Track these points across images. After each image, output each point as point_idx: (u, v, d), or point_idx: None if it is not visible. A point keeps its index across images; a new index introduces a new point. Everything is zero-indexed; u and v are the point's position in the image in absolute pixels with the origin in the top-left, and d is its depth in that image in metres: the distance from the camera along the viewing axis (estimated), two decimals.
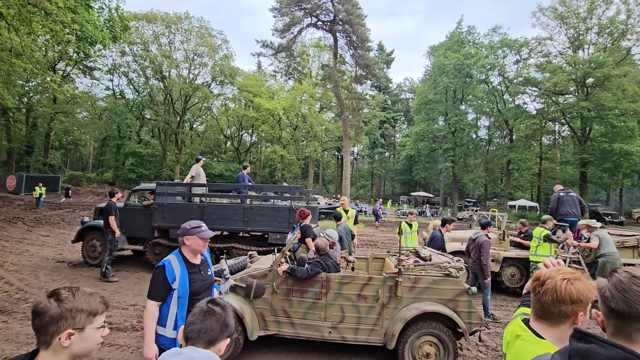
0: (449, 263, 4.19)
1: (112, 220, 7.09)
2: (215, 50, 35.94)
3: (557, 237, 7.15)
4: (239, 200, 8.43)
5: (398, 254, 4.12)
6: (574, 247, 7.30)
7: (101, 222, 7.69)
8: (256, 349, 4.27)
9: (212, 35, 35.96)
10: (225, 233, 8.39)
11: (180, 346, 1.36)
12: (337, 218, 6.94)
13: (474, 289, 4.05)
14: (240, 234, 8.43)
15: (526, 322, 1.34)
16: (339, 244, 6.23)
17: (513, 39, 34.64)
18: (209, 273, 2.57)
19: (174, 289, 2.33)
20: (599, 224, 7.44)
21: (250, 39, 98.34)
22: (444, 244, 6.13)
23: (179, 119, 36.69)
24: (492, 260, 7.89)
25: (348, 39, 23.62)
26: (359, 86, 26.46)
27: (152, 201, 8.01)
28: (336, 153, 51.66)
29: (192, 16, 34.72)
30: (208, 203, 7.97)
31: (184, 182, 8.64)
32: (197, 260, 2.48)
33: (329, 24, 23.71)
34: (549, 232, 7.19)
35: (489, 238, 6.37)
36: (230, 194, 9.82)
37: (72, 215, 17.72)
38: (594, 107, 28.18)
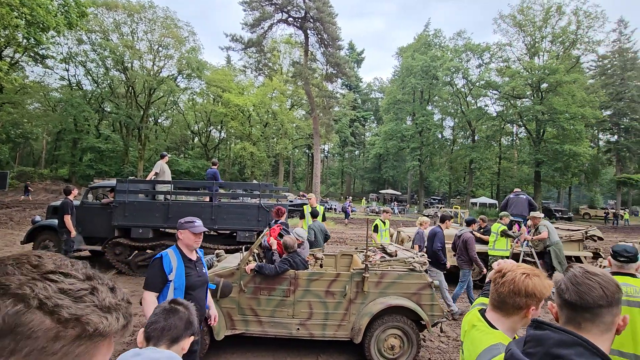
0: (413, 258, 4.35)
1: (68, 219, 6.66)
2: (181, 42, 34.62)
3: (513, 232, 7.63)
4: (206, 198, 8.24)
5: (365, 250, 4.21)
6: (528, 240, 7.83)
7: (55, 221, 7.22)
8: (222, 349, 4.20)
9: (179, 26, 34.61)
10: None
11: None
12: (314, 215, 7.04)
13: (437, 282, 4.24)
14: (208, 233, 8.23)
15: (482, 312, 1.43)
16: (314, 241, 6.32)
17: (476, 44, 36.33)
18: (204, 271, 2.68)
19: (170, 281, 2.41)
20: (542, 215, 8.04)
21: (219, 32, 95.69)
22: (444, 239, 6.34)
23: (142, 112, 35.01)
24: (453, 255, 8.29)
25: (319, 36, 23.64)
26: (329, 84, 26.59)
27: (112, 199, 7.62)
28: (307, 151, 51.71)
29: (156, 5, 33.22)
30: (173, 201, 7.71)
31: (147, 179, 8.29)
32: (193, 257, 2.60)
33: (299, 20, 23.59)
34: (506, 227, 7.66)
35: (473, 234, 6.69)
36: (198, 191, 9.57)
37: (21, 214, 16.43)
38: (548, 110, 30.23)
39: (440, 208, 28.51)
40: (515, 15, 33.89)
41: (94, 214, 7.67)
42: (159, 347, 1.27)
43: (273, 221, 6.16)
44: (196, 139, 47.09)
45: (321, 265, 5.16)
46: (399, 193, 46.64)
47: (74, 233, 6.78)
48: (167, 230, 8.05)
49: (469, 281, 6.61)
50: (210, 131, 45.13)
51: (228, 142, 47.37)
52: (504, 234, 7.57)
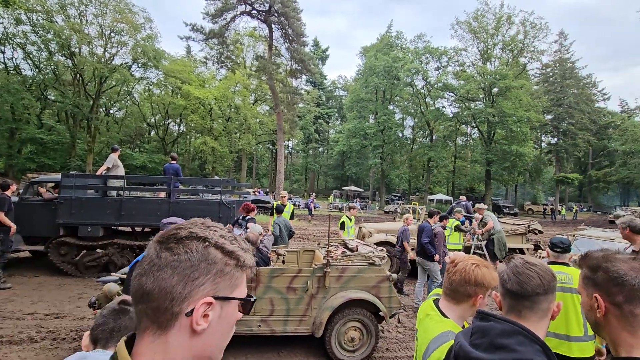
0: (373, 253, 4.49)
1: (2, 216, 6.07)
2: (136, 29, 32.53)
3: (465, 227, 8.14)
4: (163, 194, 7.89)
5: (327, 246, 4.28)
6: (478, 234, 8.39)
7: None
8: None
9: (133, 12, 32.46)
10: (146, 229, 7.80)
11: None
12: (279, 211, 7.09)
13: (395, 275, 4.41)
14: None
15: (436, 302, 1.53)
16: (279, 236, 6.34)
17: (435, 47, 37.90)
18: None
19: None
20: (485, 207, 8.69)
21: (178, 20, 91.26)
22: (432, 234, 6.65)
23: (92, 102, 32.50)
24: (412, 249, 8.68)
25: (283, 31, 23.38)
26: (294, 80, 26.44)
27: (55, 195, 7.05)
28: (270, 147, 51.10)
29: None
30: (127, 197, 7.28)
31: (98, 173, 7.78)
32: None
33: (264, 14, 23.16)
34: (459, 222, 8.15)
35: (444, 229, 7.03)
36: (155, 187, 9.15)
37: None
38: (498, 113, 32.38)
39: (400, 204, 29.52)
40: (471, 22, 35.83)
41: (34, 211, 7.04)
42: (107, 350, 1.21)
43: (241, 217, 6.11)
44: (153, 132, 44.69)
45: (283, 262, 5.16)
46: (361, 190, 47.65)
47: (14, 229, 6.20)
48: (119, 228, 7.61)
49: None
50: (168, 124, 43.00)
51: (188, 136, 45.46)
52: (457, 229, 8.05)
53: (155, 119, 42.67)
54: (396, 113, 43.04)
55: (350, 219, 7.88)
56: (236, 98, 37.93)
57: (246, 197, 7.63)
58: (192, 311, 0.60)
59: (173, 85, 36.35)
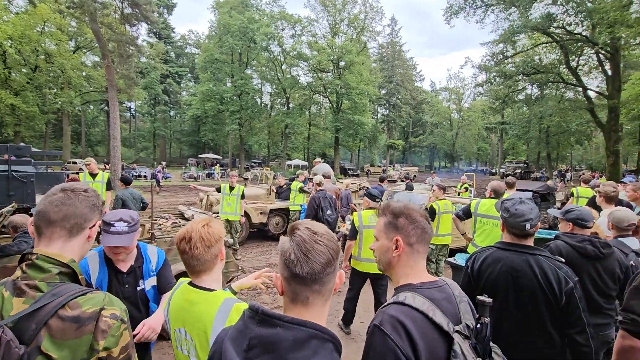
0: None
1: None
2: None
3: (308, 189, 8.85)
4: None
5: (151, 218, 3.87)
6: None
7: None
8: None
9: None
10: None
11: None
12: (126, 182, 6.16)
13: (231, 240, 4.42)
14: None
15: (192, 283, 1.34)
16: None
17: (289, 14, 38.12)
18: (139, 288, 1.94)
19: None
20: (321, 160, 9.79)
21: None
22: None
23: None
24: (261, 213, 8.94)
25: None
26: (128, 27, 22.09)
27: None
28: (106, 107, 42.52)
29: None
30: None
31: None
32: (123, 267, 1.91)
33: None
34: (302, 185, 8.80)
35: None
36: None
37: None
38: (344, 85, 35.81)
39: (252, 171, 29.91)
40: None
41: None
42: None
43: None
44: None
45: None
46: (220, 157, 45.77)
47: None
48: None
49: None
50: None
51: None
52: (301, 190, 8.70)
53: None
54: (254, 78, 42.10)
55: (231, 188, 6.93)
56: (46, 42, 29.30)
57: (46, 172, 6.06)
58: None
59: None
